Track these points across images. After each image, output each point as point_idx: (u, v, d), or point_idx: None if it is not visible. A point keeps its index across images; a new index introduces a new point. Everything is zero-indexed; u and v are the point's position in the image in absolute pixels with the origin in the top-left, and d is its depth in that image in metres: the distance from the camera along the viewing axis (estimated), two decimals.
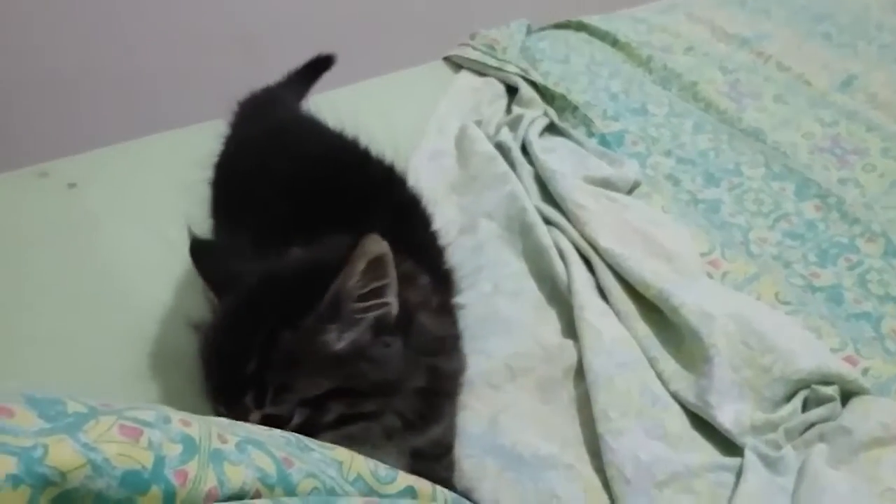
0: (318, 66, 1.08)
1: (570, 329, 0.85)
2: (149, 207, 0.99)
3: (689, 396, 0.78)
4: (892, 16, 1.44)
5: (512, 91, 1.27)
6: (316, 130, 0.85)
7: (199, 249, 0.63)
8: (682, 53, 1.34)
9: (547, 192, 1.04)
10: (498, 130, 1.16)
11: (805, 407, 0.77)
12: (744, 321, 0.82)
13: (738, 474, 0.71)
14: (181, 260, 0.86)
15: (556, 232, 0.97)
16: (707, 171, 1.09)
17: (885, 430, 0.72)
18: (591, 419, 0.75)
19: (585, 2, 1.57)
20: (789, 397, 0.78)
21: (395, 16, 1.87)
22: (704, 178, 1.08)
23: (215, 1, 1.67)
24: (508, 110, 1.24)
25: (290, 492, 0.40)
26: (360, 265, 0.54)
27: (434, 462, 0.70)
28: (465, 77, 1.31)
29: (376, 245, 0.54)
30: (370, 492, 0.45)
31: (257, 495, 0.39)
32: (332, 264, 0.55)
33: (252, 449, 0.41)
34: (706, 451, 0.74)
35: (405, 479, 0.47)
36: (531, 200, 1.01)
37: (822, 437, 0.74)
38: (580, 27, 1.42)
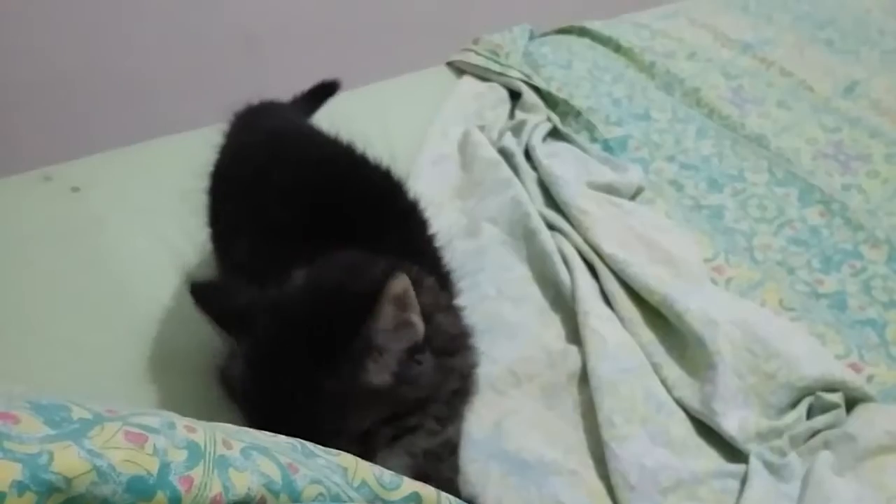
0: (323, 92, 1.09)
1: (574, 334, 0.85)
2: (152, 211, 0.99)
3: (694, 403, 0.78)
4: (895, 21, 1.44)
5: (515, 96, 1.27)
6: (313, 137, 0.85)
7: (199, 291, 0.62)
8: (685, 59, 1.34)
9: (550, 198, 1.04)
10: (501, 135, 1.16)
11: (810, 414, 0.77)
12: (748, 328, 0.82)
13: (743, 481, 0.71)
14: (184, 263, 0.87)
15: (560, 237, 0.96)
16: (710, 177, 1.09)
17: (891, 438, 0.72)
18: (595, 425, 0.75)
19: (588, 7, 1.57)
20: (794, 404, 0.78)
21: (397, 20, 1.87)
22: (708, 184, 1.08)
23: (219, 5, 1.67)
24: (511, 115, 1.24)
25: (295, 498, 0.40)
26: (389, 309, 0.56)
27: (440, 462, 0.70)
28: (468, 82, 1.31)
29: (401, 285, 0.55)
30: (375, 498, 0.45)
31: (262, 501, 0.39)
32: (353, 297, 0.56)
33: (257, 455, 0.41)
34: (711, 458, 0.74)
35: (410, 485, 0.47)
36: (535, 206, 1.01)
37: (826, 445, 0.74)
38: (582, 32, 1.42)
